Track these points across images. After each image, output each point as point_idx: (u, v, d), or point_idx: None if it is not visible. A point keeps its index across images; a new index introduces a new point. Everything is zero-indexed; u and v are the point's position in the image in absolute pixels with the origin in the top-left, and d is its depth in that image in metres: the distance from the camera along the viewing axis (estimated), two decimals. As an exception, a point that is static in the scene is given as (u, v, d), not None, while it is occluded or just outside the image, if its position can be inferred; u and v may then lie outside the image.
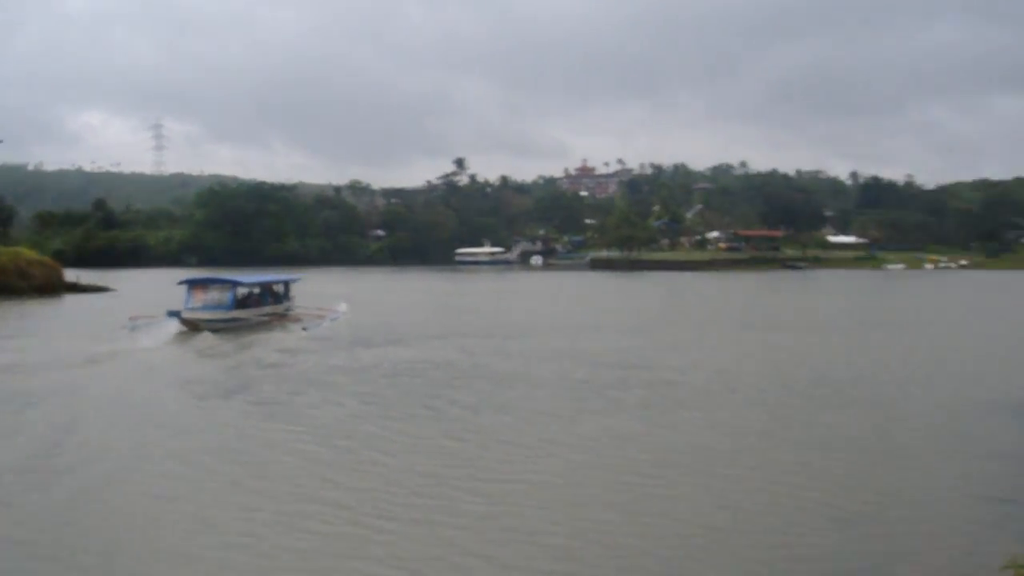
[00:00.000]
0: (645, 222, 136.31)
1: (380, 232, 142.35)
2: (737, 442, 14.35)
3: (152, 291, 52.21)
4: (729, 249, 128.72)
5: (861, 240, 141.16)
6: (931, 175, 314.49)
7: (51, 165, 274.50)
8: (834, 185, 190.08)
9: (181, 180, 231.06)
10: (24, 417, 15.72)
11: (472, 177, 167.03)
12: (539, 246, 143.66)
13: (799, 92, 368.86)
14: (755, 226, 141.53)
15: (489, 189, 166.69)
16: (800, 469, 12.78)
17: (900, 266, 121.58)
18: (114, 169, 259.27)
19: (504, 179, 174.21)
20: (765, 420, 16.19)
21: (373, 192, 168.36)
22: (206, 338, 27.60)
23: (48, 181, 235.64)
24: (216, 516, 10.39)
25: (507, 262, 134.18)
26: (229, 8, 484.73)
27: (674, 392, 18.93)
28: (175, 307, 30.20)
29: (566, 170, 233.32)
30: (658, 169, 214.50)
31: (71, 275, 55.95)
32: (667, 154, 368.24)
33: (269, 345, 26.84)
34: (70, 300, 47.46)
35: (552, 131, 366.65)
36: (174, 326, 28.90)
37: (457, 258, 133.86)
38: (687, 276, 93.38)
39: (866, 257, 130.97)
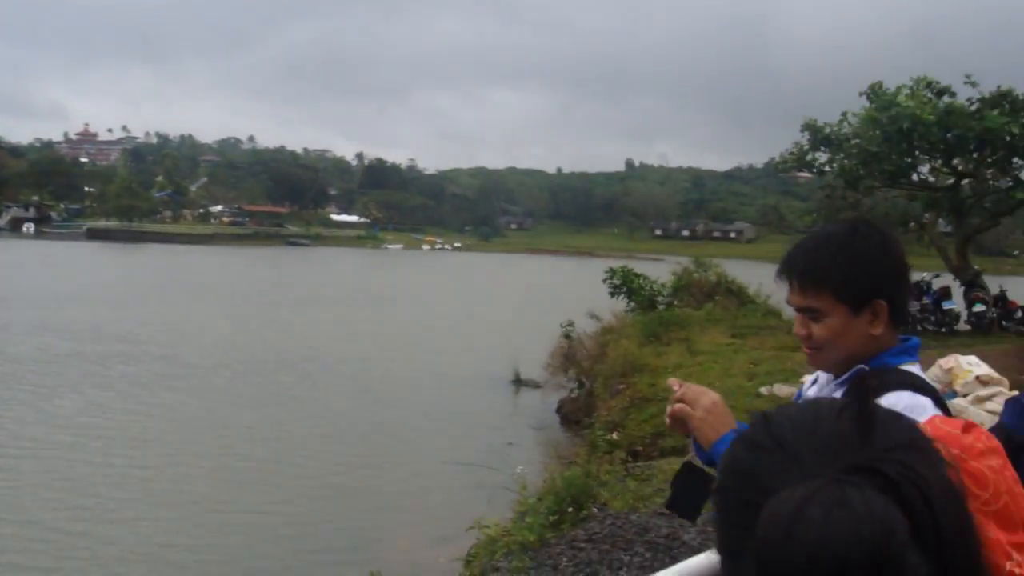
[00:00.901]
0: (147, 192, 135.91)
1: None
2: (199, 422, 15.61)
3: None
4: (233, 223, 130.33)
5: (364, 219, 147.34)
6: (432, 160, 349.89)
7: None
8: (340, 165, 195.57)
9: None
10: None
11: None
12: (32, 213, 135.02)
13: (310, 71, 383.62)
14: (261, 202, 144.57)
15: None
16: (274, 453, 13.90)
17: (399, 246, 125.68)
18: None
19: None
20: (243, 397, 17.82)
21: None
22: None
23: None
24: None
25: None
26: None
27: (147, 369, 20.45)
28: None
29: (66, 134, 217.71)
30: (164, 139, 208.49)
31: None
32: (174, 124, 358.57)
33: None
34: None
35: (51, 91, 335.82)
36: None
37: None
38: (183, 249, 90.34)
39: (367, 236, 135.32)
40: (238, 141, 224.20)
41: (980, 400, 7.62)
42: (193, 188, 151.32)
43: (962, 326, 17.58)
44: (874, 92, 18.76)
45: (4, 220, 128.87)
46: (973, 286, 17.61)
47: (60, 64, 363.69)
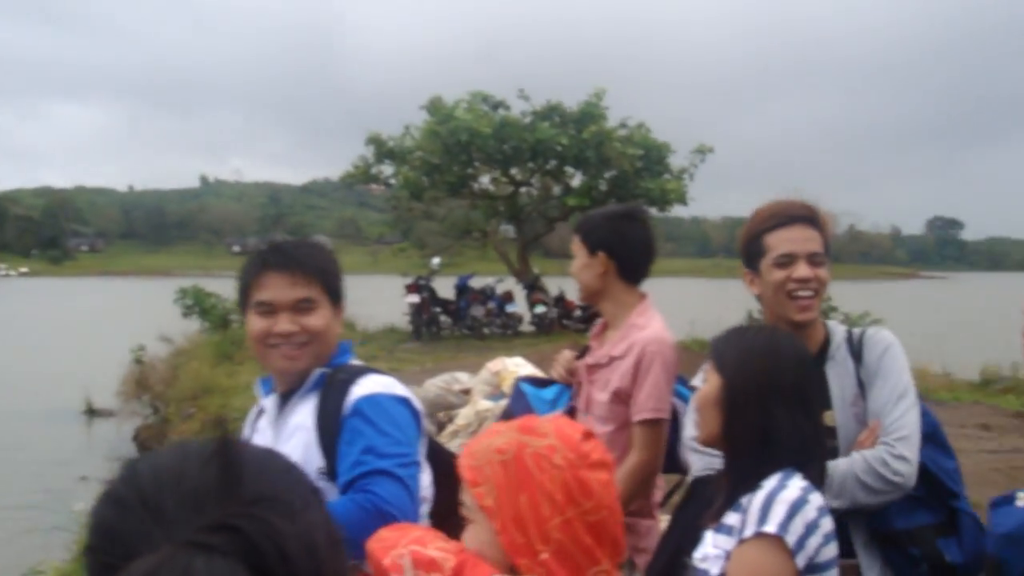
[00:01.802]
0: None
1: None
2: None
3: None
4: None
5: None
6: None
7: None
8: None
9: None
10: None
11: None
12: None
13: None
14: None
15: None
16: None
17: None
18: None
19: None
20: None
21: None
22: None
23: None
24: None
25: None
26: None
27: None
28: None
29: None
30: None
31: None
32: None
33: None
34: None
35: None
36: None
37: None
38: None
39: None
40: None
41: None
42: None
43: (527, 327, 18.64)
44: (434, 106, 19.18)
45: None
46: (534, 289, 18.64)
47: None
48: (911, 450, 2.16)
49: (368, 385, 2.12)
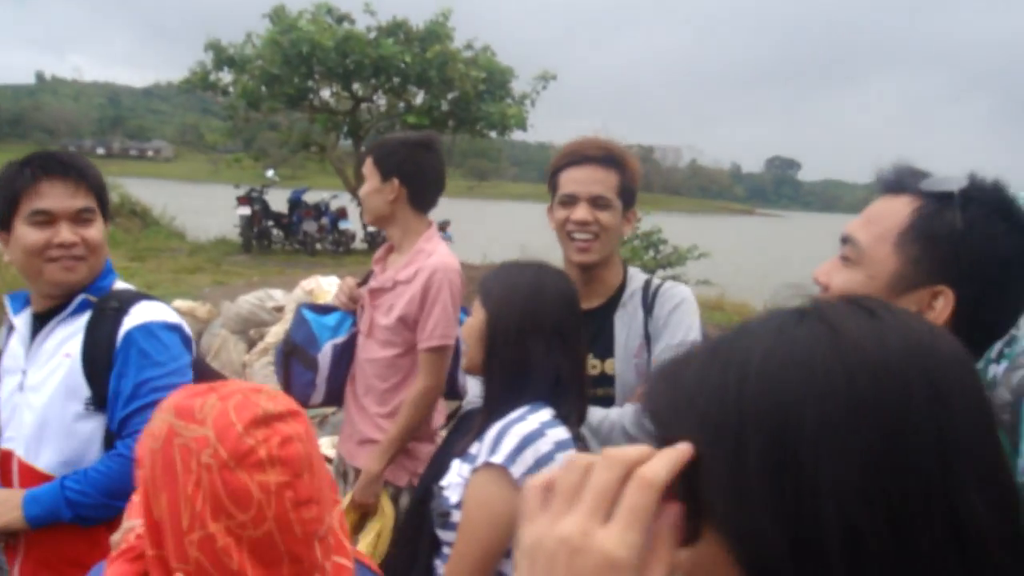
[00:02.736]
0: None
1: None
2: None
3: None
4: None
5: None
6: None
7: None
8: None
9: None
10: None
11: None
12: None
13: None
14: None
15: None
16: None
17: None
18: None
19: None
20: None
21: None
22: None
23: None
24: None
25: None
26: None
27: None
28: None
29: None
30: None
31: None
32: None
33: None
34: None
35: None
36: None
37: None
38: None
39: None
40: None
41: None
42: None
43: (359, 245, 18.61)
44: (277, 15, 18.51)
45: None
46: (370, 206, 18.55)
47: None
48: None
49: (140, 314, 2.09)
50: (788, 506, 0.59)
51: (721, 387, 0.63)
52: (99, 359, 2.04)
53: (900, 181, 1.39)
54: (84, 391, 2.04)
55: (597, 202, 2.29)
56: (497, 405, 1.86)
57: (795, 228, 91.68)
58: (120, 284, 2.20)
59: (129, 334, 2.04)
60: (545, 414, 1.80)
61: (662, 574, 0.62)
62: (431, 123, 18.18)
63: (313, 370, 2.98)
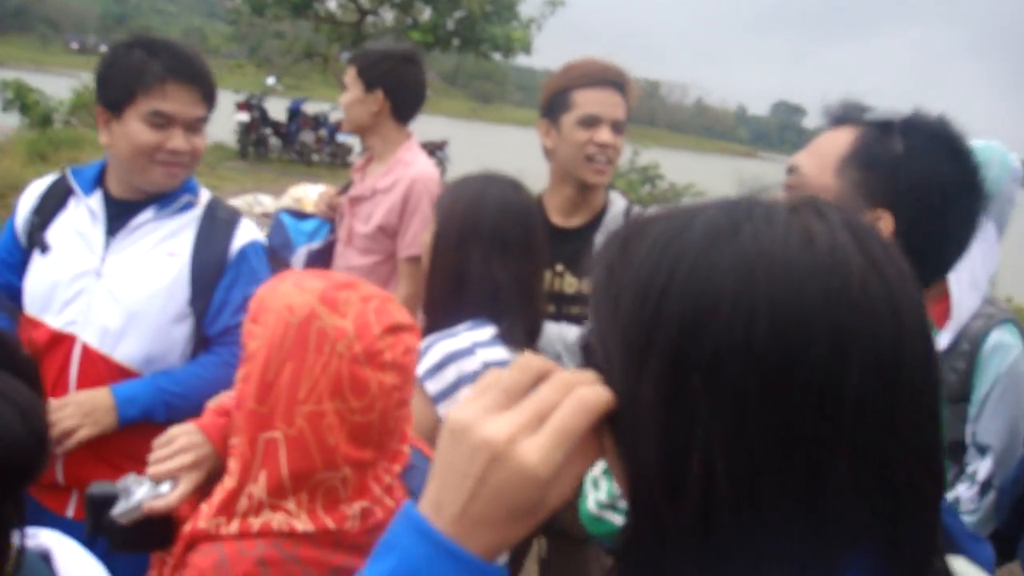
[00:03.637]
0: None
1: None
2: None
3: None
4: None
5: None
6: None
7: None
8: None
9: None
10: None
11: None
12: None
13: None
14: None
15: None
16: None
17: None
18: None
19: None
20: None
21: None
22: None
23: None
24: None
25: None
26: None
27: None
28: None
29: None
30: None
31: None
32: None
33: None
34: None
35: None
36: None
37: None
38: None
39: None
40: None
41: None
42: None
43: (356, 158, 18.47)
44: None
45: None
46: (368, 119, 18.39)
47: None
48: None
49: (248, 231, 2.13)
50: (672, 441, 0.60)
51: (643, 297, 0.63)
52: (210, 267, 2.06)
53: (847, 114, 1.42)
54: (185, 292, 2.04)
55: (617, 126, 2.33)
56: (437, 316, 1.85)
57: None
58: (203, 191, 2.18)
59: (244, 250, 2.09)
60: (483, 333, 1.77)
61: (570, 488, 0.64)
62: (435, 41, 17.91)
63: (286, 274, 3.05)
